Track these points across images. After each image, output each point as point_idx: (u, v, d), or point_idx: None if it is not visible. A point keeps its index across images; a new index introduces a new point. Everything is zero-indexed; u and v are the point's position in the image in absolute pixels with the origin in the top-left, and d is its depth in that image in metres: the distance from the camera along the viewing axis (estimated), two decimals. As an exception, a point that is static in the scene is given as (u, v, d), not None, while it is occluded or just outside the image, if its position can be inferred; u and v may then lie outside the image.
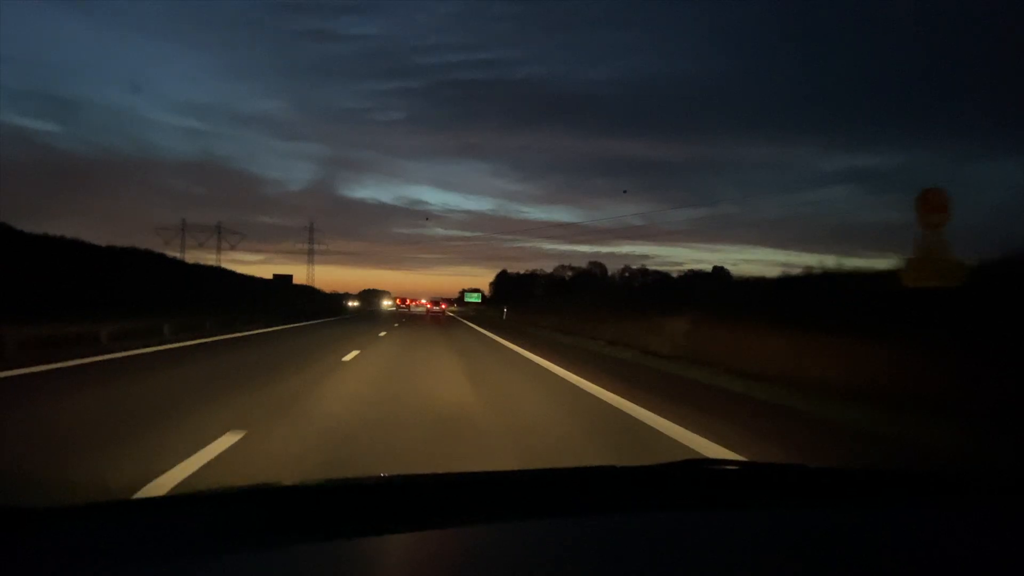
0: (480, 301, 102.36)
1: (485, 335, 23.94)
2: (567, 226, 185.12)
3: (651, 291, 35.32)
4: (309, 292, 69.54)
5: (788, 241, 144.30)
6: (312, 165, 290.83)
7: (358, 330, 24.84)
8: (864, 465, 4.82)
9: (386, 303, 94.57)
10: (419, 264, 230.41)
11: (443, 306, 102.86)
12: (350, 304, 72.54)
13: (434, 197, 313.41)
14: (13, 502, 1.17)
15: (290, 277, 62.96)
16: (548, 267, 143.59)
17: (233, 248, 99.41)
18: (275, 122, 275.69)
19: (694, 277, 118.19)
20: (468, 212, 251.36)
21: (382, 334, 21.70)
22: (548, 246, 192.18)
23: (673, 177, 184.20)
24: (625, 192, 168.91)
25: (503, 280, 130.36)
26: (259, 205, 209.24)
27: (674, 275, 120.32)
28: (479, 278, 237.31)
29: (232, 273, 51.61)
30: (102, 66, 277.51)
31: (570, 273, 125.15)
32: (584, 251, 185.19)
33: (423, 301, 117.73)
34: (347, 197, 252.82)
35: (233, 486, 1.36)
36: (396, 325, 29.06)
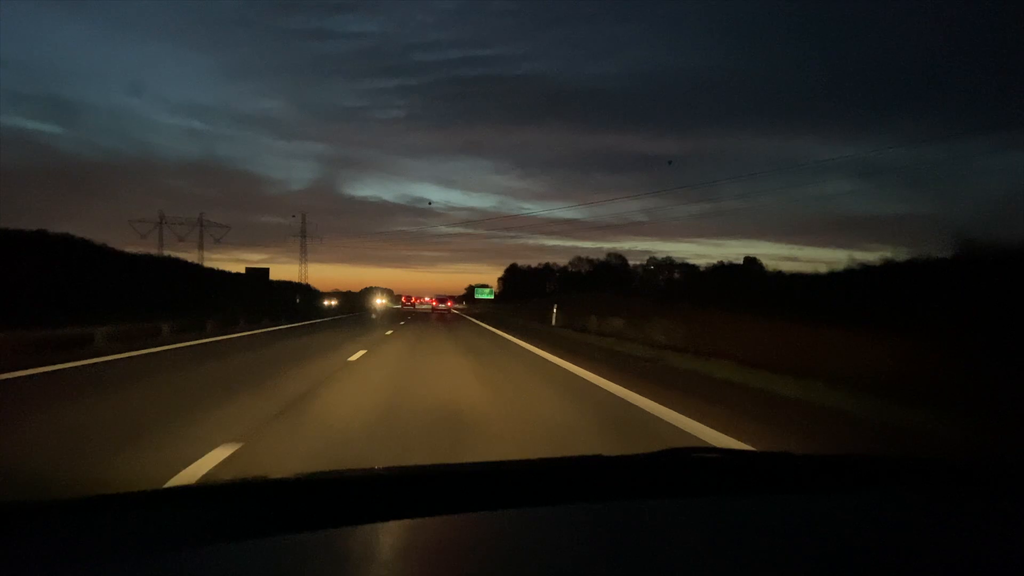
0: (492, 298, 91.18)
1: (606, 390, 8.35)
2: (570, 222, 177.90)
3: (736, 287, 25.28)
4: (293, 289, 58.86)
5: (791, 235, 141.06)
6: (313, 164, 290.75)
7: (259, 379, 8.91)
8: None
9: (379, 301, 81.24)
10: (422, 262, 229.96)
11: (449, 304, 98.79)
12: (327, 303, 58.35)
13: (436, 195, 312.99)
14: (17, 495, 1.24)
15: (266, 271, 51.99)
16: (549, 263, 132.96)
17: (218, 242, 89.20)
18: (275, 122, 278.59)
19: (724, 270, 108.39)
20: (470, 209, 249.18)
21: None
22: (550, 242, 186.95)
23: (675, 172, 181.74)
24: (671, 163, 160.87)
25: (513, 275, 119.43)
26: (261, 205, 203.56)
27: (701, 268, 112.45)
28: (482, 275, 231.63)
29: (189, 266, 41.62)
30: (103, 68, 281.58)
31: (587, 267, 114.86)
32: (587, 247, 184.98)
33: (427, 299, 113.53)
34: (349, 196, 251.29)
35: (226, 480, 1.33)
36: (356, 358, 12.31)
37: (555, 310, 28.66)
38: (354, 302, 76.94)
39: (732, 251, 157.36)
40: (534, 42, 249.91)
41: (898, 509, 1.36)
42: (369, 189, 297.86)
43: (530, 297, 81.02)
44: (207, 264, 49.45)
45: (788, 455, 1.72)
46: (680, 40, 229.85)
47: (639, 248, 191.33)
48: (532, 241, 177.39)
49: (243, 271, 51.98)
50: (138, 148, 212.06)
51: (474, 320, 41.79)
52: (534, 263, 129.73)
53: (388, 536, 1.12)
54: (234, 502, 1.25)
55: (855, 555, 1.10)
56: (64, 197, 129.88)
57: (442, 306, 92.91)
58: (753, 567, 1.05)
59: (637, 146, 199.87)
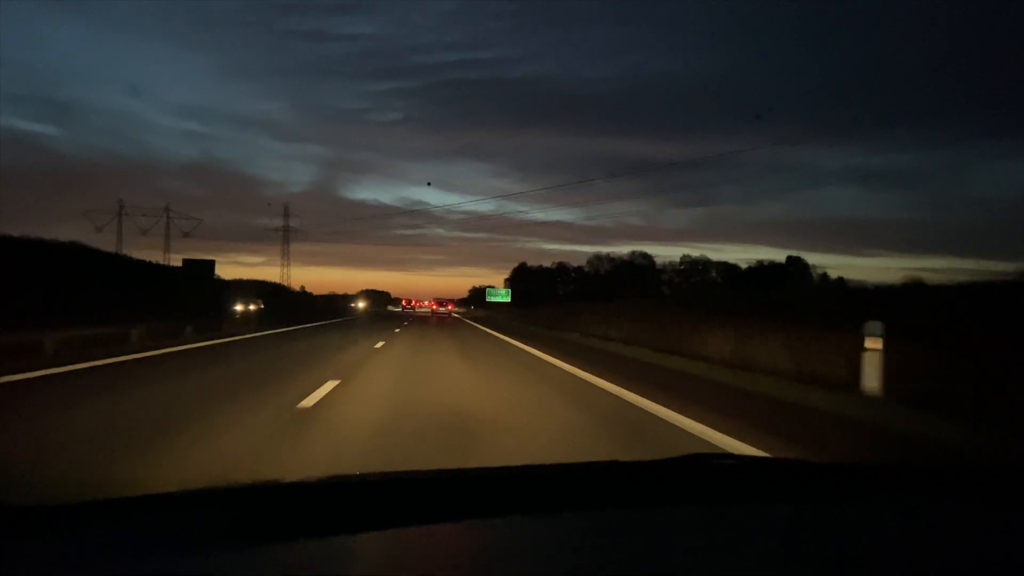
0: (508, 300, 77.53)
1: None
2: (568, 226, 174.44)
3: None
4: (252, 289, 45.53)
5: (789, 240, 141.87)
6: (312, 166, 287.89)
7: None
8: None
9: (360, 304, 65.94)
10: (421, 265, 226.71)
11: (450, 307, 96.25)
12: (240, 308, 37.98)
13: (434, 198, 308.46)
14: (18, 499, 1.17)
15: (210, 264, 38.71)
16: (564, 263, 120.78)
17: (187, 235, 76.07)
18: (274, 124, 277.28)
19: (766, 271, 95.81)
20: (469, 213, 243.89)
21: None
22: (549, 246, 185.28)
23: (674, 175, 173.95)
24: (759, 118, 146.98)
25: (521, 277, 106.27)
26: (259, 207, 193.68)
27: (742, 267, 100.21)
28: (482, 278, 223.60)
29: (95, 256, 28.88)
30: (101, 69, 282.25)
31: (607, 266, 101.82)
32: (586, 251, 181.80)
33: (426, 302, 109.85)
34: (347, 199, 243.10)
35: (226, 484, 1.31)
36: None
37: (877, 348, 8.33)
38: (335, 307, 59.88)
39: (729, 255, 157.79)
40: (533, 45, 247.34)
41: (915, 516, 1.36)
42: (368, 192, 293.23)
43: (543, 302, 68.97)
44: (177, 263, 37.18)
45: (803, 462, 1.73)
46: (679, 44, 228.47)
47: (637, 252, 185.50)
48: (531, 245, 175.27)
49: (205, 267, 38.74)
50: (136, 149, 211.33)
51: (532, 350, 16.64)
52: (542, 263, 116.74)
53: (401, 542, 1.11)
54: (241, 506, 1.23)
55: (869, 561, 1.10)
56: (62, 198, 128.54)
57: (442, 310, 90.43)
58: (766, 571, 1.05)
59: (636, 150, 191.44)
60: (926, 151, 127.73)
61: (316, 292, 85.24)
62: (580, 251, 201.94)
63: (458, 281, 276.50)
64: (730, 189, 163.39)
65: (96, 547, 1.03)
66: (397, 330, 26.28)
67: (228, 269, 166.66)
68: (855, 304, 12.15)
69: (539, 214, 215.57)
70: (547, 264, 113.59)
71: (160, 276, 32.51)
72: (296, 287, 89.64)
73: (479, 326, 34.92)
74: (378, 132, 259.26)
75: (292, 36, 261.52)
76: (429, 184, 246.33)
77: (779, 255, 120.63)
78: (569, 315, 33.49)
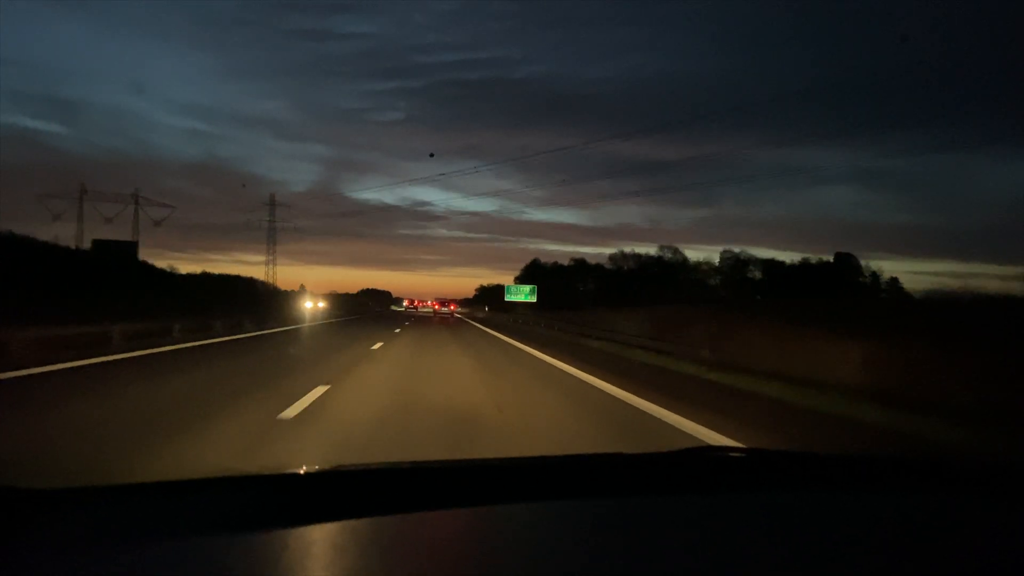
0: (534, 300, 65.69)
1: None
2: (571, 226, 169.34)
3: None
4: (202, 284, 33.66)
5: (790, 241, 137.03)
6: (314, 166, 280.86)
7: None
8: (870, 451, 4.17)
9: (309, 304, 54.88)
10: (424, 265, 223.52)
11: (452, 307, 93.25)
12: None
13: (436, 198, 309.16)
14: (26, 484, 1.15)
15: (130, 246, 27.06)
16: (586, 259, 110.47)
17: (158, 225, 64.16)
18: (276, 123, 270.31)
19: (813, 269, 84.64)
20: (471, 213, 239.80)
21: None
22: (552, 247, 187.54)
23: (676, 176, 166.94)
24: (905, 39, 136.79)
25: (536, 274, 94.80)
26: (260, 206, 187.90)
27: (787, 263, 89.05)
28: (483, 279, 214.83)
29: None
30: (104, 67, 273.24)
31: (632, 263, 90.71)
32: (588, 252, 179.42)
33: (428, 302, 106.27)
34: (349, 198, 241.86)
35: (243, 471, 1.30)
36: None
37: None
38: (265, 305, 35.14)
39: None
40: (534, 45, 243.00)
41: (916, 506, 1.33)
42: (370, 191, 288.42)
43: (563, 302, 58.22)
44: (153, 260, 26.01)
45: (805, 454, 1.73)
46: (681, 45, 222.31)
47: (665, 247, 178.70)
48: (534, 245, 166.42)
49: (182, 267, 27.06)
50: (140, 148, 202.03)
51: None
52: (556, 262, 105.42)
53: (412, 525, 1.11)
54: (252, 493, 1.24)
55: (870, 551, 1.09)
56: (64, 196, 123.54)
57: (444, 310, 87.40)
58: (763, 561, 1.04)
59: (638, 150, 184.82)
60: (927, 153, 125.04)
61: (318, 291, 76.22)
62: (583, 252, 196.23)
63: (462, 282, 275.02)
64: (731, 190, 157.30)
65: (95, 531, 1.04)
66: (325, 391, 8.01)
67: (229, 268, 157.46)
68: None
69: (542, 215, 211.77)
70: (552, 264, 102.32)
71: (49, 260, 21.24)
72: (296, 286, 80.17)
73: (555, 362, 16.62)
74: (379, 132, 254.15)
75: (293, 35, 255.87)
76: (432, 155, 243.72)
77: (780, 256, 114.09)
78: (676, 324, 21.92)
